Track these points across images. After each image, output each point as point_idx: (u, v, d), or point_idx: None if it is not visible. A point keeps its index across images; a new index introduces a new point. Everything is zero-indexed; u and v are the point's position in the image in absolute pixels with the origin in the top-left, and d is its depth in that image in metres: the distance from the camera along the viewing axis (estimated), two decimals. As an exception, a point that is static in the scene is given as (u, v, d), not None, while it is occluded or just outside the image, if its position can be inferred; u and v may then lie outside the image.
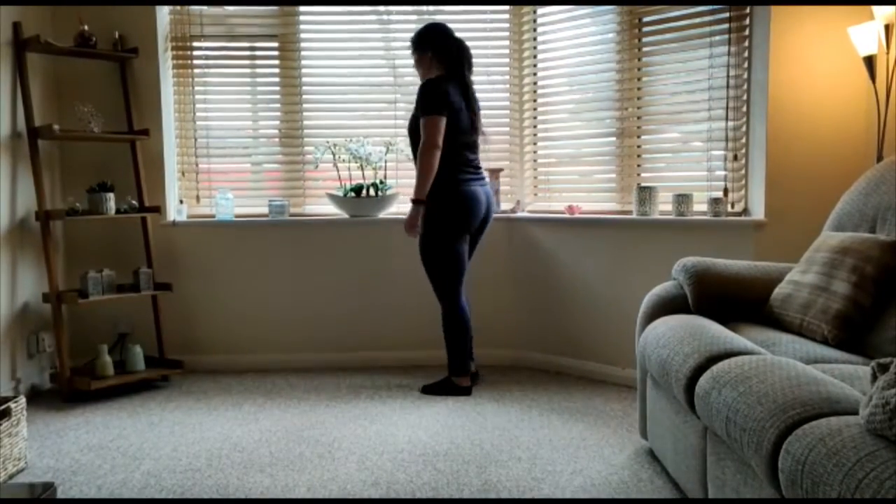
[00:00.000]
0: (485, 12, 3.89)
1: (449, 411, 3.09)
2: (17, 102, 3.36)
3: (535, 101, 3.90)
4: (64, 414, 3.14)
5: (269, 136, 3.98)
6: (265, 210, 3.87)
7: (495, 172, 3.82)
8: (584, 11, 3.65)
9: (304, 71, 3.90)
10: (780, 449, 1.44)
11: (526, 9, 3.85)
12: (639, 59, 3.53)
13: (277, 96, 3.92)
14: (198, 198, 3.92)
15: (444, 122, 3.14)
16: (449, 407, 3.15)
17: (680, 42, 3.38)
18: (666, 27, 3.42)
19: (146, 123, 3.71)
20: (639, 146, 3.56)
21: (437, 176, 3.17)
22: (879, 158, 2.88)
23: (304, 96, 3.91)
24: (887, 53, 2.83)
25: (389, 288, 3.85)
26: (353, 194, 3.77)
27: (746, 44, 3.18)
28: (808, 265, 2.34)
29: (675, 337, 2.19)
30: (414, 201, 3.19)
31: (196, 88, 3.87)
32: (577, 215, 3.65)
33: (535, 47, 3.86)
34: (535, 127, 3.91)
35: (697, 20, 3.31)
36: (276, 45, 3.89)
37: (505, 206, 3.91)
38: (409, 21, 3.84)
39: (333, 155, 3.82)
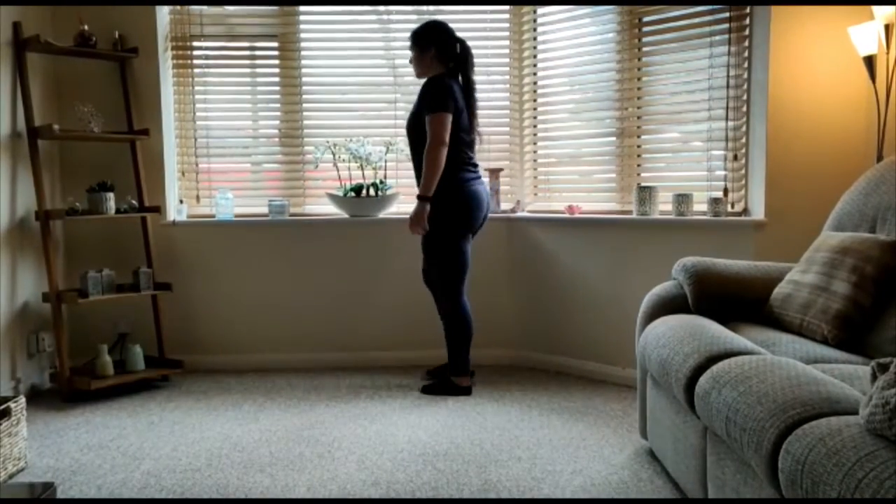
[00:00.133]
0: (485, 12, 3.90)
1: (449, 411, 3.09)
2: (17, 102, 3.36)
3: (535, 101, 3.90)
4: (64, 414, 3.14)
5: (269, 136, 3.97)
6: (265, 210, 3.88)
7: (495, 172, 3.82)
8: (584, 11, 3.65)
9: (304, 71, 3.90)
10: (780, 449, 1.44)
11: (526, 9, 3.85)
12: (639, 59, 3.53)
13: (277, 96, 3.92)
14: (198, 198, 3.92)
15: (450, 119, 3.14)
16: (449, 407, 3.15)
17: (680, 42, 3.38)
18: (666, 27, 3.42)
19: (146, 123, 3.71)
20: (639, 146, 3.56)
21: (442, 174, 3.16)
22: (879, 158, 2.88)
23: (304, 96, 3.91)
24: (887, 53, 2.83)
25: (389, 288, 3.85)
26: (353, 194, 3.77)
27: (746, 44, 3.18)
28: (808, 265, 2.34)
29: (675, 337, 2.19)
30: (420, 198, 3.18)
31: (196, 88, 3.87)
32: (577, 215, 3.65)
33: (535, 47, 3.86)
34: (535, 127, 3.91)
35: (697, 20, 3.31)
36: (276, 44, 3.89)
37: (505, 206, 3.91)
38: (408, 21, 3.84)
39: (333, 155, 3.82)
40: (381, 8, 3.88)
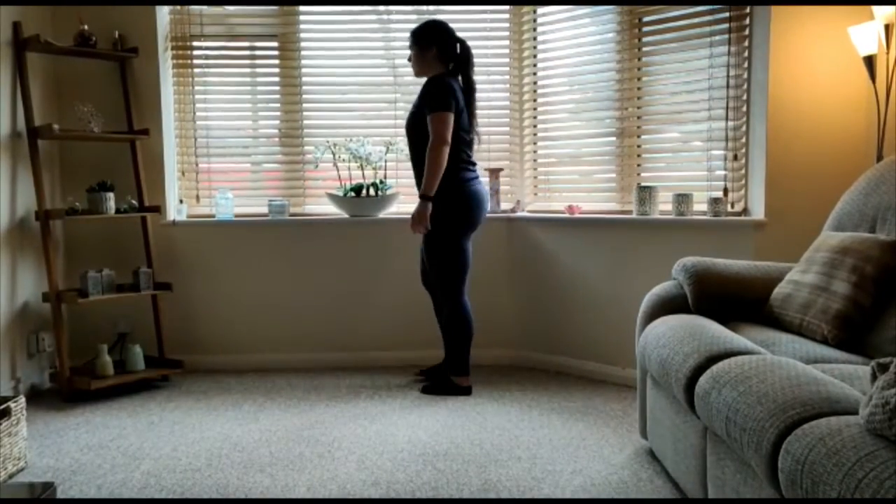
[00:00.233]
0: (485, 12, 3.90)
1: (449, 411, 3.09)
2: (17, 102, 3.36)
3: (535, 101, 3.90)
4: (64, 414, 3.14)
5: (268, 136, 3.97)
6: (265, 210, 3.88)
7: (495, 172, 3.82)
8: (584, 11, 3.65)
9: (304, 71, 3.90)
10: (780, 449, 1.44)
11: (526, 9, 3.85)
12: (639, 59, 3.53)
13: (277, 96, 3.92)
14: (198, 197, 3.92)
15: (452, 118, 3.14)
16: (449, 407, 3.15)
17: (680, 42, 3.38)
18: (666, 27, 3.42)
19: (146, 123, 3.71)
20: (639, 146, 3.56)
21: (444, 173, 3.16)
22: (879, 158, 2.88)
23: (304, 96, 3.91)
24: (887, 53, 2.83)
25: (389, 288, 3.85)
26: (353, 194, 3.77)
27: (746, 44, 3.18)
28: (808, 265, 2.34)
29: (675, 337, 2.19)
30: (423, 197, 3.18)
31: (196, 88, 3.87)
32: (577, 215, 3.65)
33: (535, 47, 3.86)
34: (535, 127, 3.91)
35: (697, 20, 3.31)
36: (276, 44, 3.89)
37: (505, 205, 3.91)
38: (408, 21, 3.84)
39: (333, 155, 3.82)
40: (381, 8, 3.88)
